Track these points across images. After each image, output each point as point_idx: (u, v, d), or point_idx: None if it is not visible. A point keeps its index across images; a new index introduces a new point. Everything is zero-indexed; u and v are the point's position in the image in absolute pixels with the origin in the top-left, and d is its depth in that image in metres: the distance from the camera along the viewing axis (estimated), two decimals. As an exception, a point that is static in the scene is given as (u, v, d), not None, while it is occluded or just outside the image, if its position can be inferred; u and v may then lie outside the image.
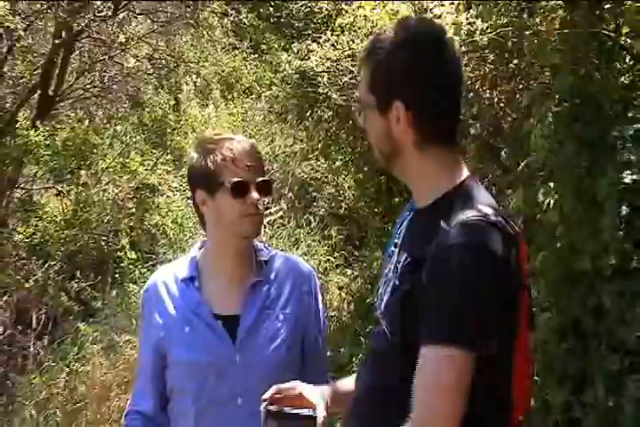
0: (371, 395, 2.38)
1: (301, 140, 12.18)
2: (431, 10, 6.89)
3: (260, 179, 2.96)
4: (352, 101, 8.37)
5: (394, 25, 2.42)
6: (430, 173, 2.35)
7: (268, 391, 2.55)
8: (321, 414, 2.50)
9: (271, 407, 2.50)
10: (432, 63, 2.31)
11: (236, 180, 2.91)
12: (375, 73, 2.35)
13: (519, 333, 2.27)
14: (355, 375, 2.57)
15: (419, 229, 2.35)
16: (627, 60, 5.07)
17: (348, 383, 2.60)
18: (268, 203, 2.92)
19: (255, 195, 2.93)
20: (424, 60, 2.31)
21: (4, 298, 10.64)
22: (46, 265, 10.71)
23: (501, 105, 6.95)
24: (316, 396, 2.56)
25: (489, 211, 2.23)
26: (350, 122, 8.96)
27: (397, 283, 2.32)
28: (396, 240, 2.46)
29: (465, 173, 2.37)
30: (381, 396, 2.33)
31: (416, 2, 7.35)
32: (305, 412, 2.51)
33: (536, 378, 5.02)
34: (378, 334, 2.37)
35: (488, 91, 6.94)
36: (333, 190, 11.69)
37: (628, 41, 5.01)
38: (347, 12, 9.00)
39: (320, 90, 9.22)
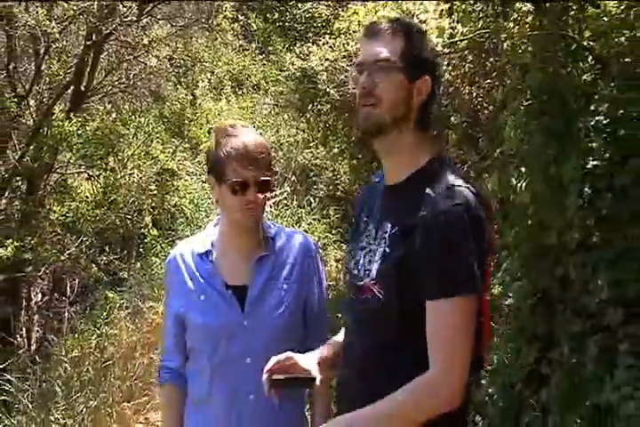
0: (364, 354, 2.37)
1: (303, 131, 12.18)
2: (417, 15, 6.84)
3: (261, 178, 2.87)
4: (348, 96, 8.34)
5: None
6: (414, 148, 2.35)
7: (267, 364, 2.55)
8: (315, 375, 2.53)
9: (273, 376, 2.53)
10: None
11: (235, 180, 2.84)
12: (413, 43, 2.32)
13: (485, 278, 2.30)
14: (337, 338, 2.60)
15: (400, 201, 2.33)
16: (589, 60, 5.05)
17: (334, 346, 2.60)
18: (273, 192, 2.79)
19: (253, 193, 2.86)
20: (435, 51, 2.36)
21: (43, 269, 10.68)
22: (79, 240, 10.75)
23: (479, 99, 6.94)
24: (309, 362, 2.56)
25: (462, 180, 2.27)
26: (346, 114, 8.95)
27: (388, 250, 2.30)
28: (367, 216, 2.47)
29: (437, 152, 2.38)
30: (375, 355, 2.33)
31: (404, 8, 7.31)
32: (302, 375, 2.55)
33: (509, 338, 5.05)
34: (366, 299, 2.34)
35: (467, 87, 6.92)
36: (331, 175, 11.71)
37: (590, 43, 5.00)
38: (342, 17, 8.99)
39: (319, 86, 9.21)
